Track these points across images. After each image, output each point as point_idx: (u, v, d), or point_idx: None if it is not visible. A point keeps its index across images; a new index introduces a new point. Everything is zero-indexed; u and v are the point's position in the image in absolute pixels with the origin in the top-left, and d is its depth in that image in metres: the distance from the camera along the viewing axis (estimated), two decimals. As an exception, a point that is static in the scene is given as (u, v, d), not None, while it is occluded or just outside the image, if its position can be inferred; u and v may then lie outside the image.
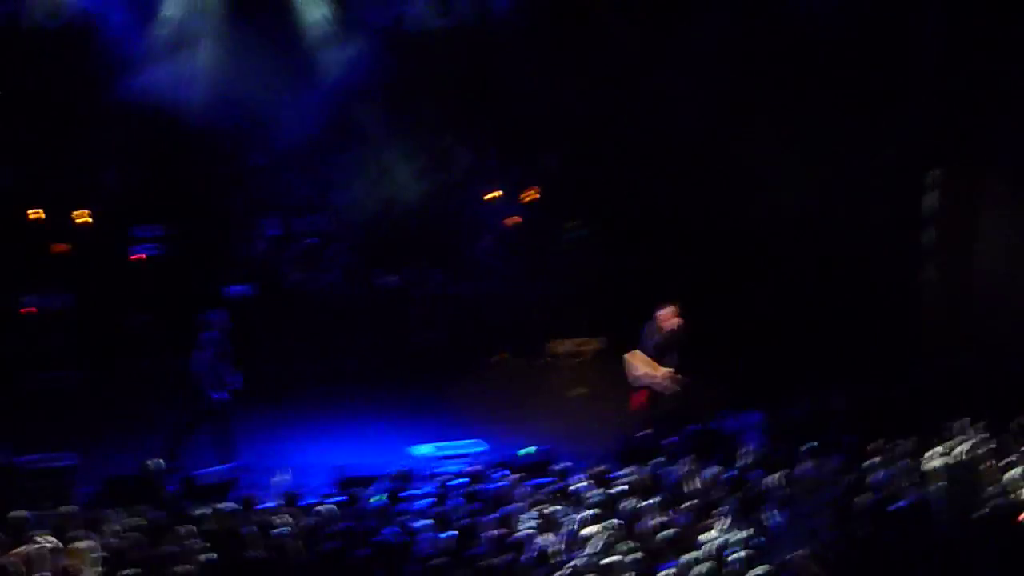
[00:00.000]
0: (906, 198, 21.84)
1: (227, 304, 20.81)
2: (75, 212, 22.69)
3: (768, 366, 21.17)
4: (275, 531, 13.51)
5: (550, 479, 15.85)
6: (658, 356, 19.33)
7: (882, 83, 21.71)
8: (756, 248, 22.77)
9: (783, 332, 21.83)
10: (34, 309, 21.76)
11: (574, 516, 14.01)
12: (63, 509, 14.82)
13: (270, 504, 15.38)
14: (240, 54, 22.20)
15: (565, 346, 23.46)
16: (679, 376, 19.26)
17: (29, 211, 22.41)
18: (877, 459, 15.94)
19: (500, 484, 15.98)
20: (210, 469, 17.27)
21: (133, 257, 22.96)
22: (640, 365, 19.38)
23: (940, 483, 15.00)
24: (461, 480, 16.15)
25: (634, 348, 19.58)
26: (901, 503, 14.75)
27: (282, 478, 16.10)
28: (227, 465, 17.62)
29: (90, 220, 22.70)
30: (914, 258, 21.64)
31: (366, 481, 16.28)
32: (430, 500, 15.23)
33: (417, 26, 23.40)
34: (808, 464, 15.90)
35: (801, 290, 22.37)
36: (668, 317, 19.31)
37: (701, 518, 14.34)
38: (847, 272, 22.26)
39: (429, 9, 23.26)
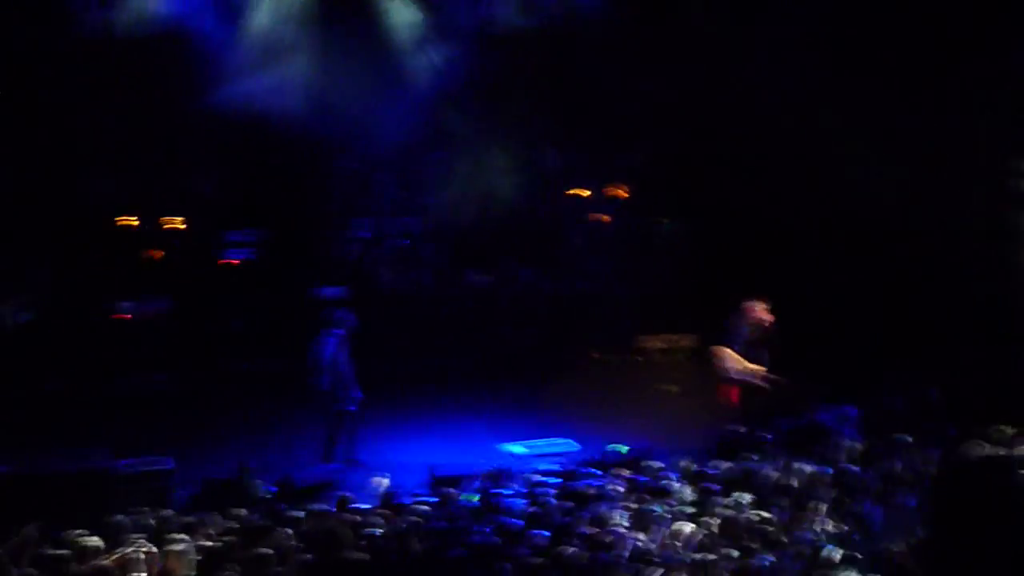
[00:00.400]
0: (999, 183, 21.57)
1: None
2: (168, 218, 22.82)
3: (862, 358, 20.98)
4: (369, 531, 13.56)
5: (643, 477, 15.81)
6: (747, 352, 19.22)
7: (974, 68, 21.46)
8: (849, 240, 22.60)
9: (877, 323, 21.65)
10: (127, 315, 21.89)
11: (668, 513, 13.99)
12: (160, 512, 15.00)
13: (365, 505, 15.47)
14: (329, 58, 22.32)
15: (657, 343, 23.45)
16: (771, 375, 19.16)
17: (123, 218, 22.55)
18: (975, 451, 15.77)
19: (593, 482, 15.99)
20: (307, 471, 17.38)
21: (226, 262, 23.06)
22: (733, 362, 19.27)
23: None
24: (554, 479, 16.16)
25: (726, 345, 19.51)
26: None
27: (380, 482, 16.14)
28: (326, 466, 17.72)
29: (183, 226, 22.84)
30: (1008, 244, 21.35)
31: (459, 481, 16.32)
32: (523, 499, 15.24)
33: (503, 27, 23.40)
34: (905, 457, 15.80)
35: (895, 280, 22.17)
36: (757, 312, 19.21)
37: (797, 514, 14.27)
38: (941, 261, 22.03)
39: (515, 9, 23.25)
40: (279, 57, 22.46)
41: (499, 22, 23.25)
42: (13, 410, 20.24)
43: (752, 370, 19.09)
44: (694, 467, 15.72)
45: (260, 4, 21.82)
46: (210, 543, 13.04)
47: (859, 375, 20.45)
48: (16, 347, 21.30)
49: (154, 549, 12.34)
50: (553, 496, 15.32)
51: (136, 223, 22.65)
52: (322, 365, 18.42)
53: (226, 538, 13.33)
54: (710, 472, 15.61)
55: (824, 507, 14.02)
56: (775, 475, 15.45)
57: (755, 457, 16.28)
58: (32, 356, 21.21)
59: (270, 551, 12.65)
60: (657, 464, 16.08)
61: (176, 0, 21.52)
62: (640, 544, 12.86)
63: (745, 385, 19.23)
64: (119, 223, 22.63)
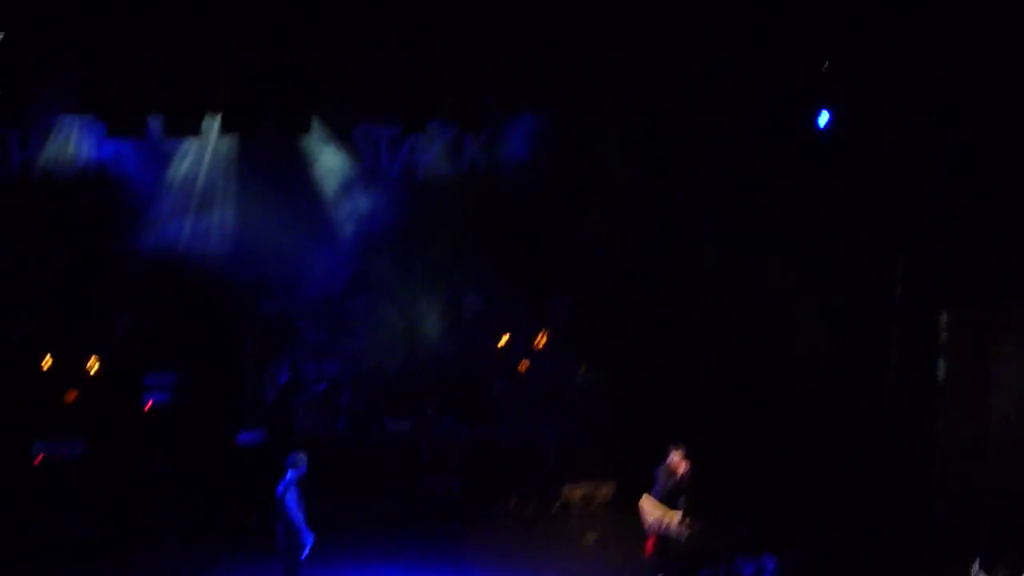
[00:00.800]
0: (917, 339, 21.81)
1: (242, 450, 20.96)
2: (86, 359, 22.59)
3: (781, 509, 21.05)
4: None
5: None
6: (668, 500, 19.28)
7: (893, 223, 21.82)
8: (767, 390, 22.74)
9: (795, 475, 21.73)
10: (39, 457, 21.59)
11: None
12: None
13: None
14: (254, 203, 22.32)
15: (577, 491, 23.37)
16: (689, 520, 19.19)
17: (41, 358, 22.30)
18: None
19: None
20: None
21: (145, 404, 22.83)
22: (652, 510, 19.31)
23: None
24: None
25: (647, 492, 19.53)
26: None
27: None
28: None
29: (98, 366, 22.61)
30: (926, 400, 21.54)
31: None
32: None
33: (428, 173, 23.55)
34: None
35: (813, 432, 22.30)
36: (674, 459, 19.30)
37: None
38: (859, 414, 22.21)
39: (439, 156, 23.40)
40: (204, 201, 22.42)
41: (424, 168, 23.37)
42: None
43: (669, 517, 19.13)
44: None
45: (187, 149, 21.72)
46: None
47: (779, 525, 20.51)
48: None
49: None
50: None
51: (51, 362, 22.34)
52: (291, 508, 18.14)
53: None
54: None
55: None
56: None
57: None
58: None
59: None
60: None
61: (102, 143, 21.37)
62: None
63: (661, 534, 19.26)
64: (37, 363, 22.30)
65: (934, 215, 21.45)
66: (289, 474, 18.24)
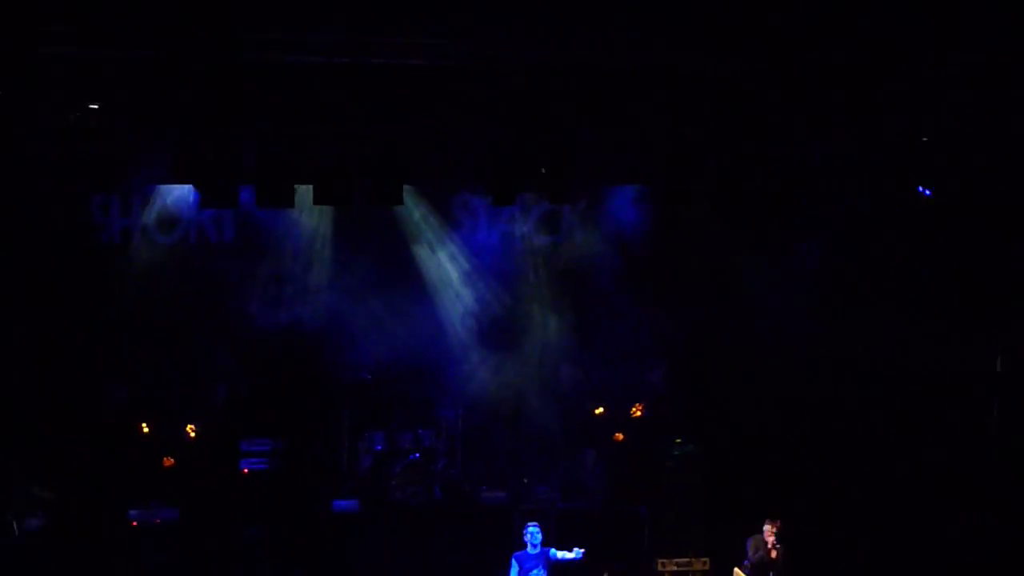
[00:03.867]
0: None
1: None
2: (183, 426, 22.75)
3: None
4: None
5: None
6: (757, 574, 19.17)
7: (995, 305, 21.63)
8: (868, 466, 22.54)
9: (887, 549, 21.50)
10: (134, 523, 21.72)
11: None
12: None
13: None
14: (344, 270, 22.44)
15: (671, 566, 23.17)
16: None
17: (138, 424, 22.49)
18: None
19: None
20: None
21: (240, 470, 22.94)
22: (745, 579, 19.25)
23: None
24: None
25: (737, 566, 19.44)
26: None
27: None
28: None
29: (194, 434, 22.75)
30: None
31: None
32: None
33: (527, 242, 23.60)
34: None
35: (911, 499, 22.09)
36: (764, 534, 19.20)
37: None
38: (959, 479, 22.00)
39: (538, 226, 23.47)
40: (297, 268, 22.59)
41: (519, 238, 23.43)
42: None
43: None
44: None
45: (289, 219, 21.92)
46: None
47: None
48: (23, 555, 21.12)
49: None
50: None
51: (148, 430, 22.52)
52: None
53: None
54: None
55: None
56: None
57: None
58: (40, 564, 21.02)
59: None
60: None
61: (196, 209, 21.61)
62: None
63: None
64: (135, 429, 22.48)
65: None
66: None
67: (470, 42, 16.72)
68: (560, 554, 19.16)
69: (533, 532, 19.07)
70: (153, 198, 21.74)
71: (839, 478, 22.58)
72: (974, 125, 18.91)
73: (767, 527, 19.29)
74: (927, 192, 21.07)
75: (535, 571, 18.98)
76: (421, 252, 23.05)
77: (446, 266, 23.23)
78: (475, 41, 16.69)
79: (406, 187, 20.05)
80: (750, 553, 19.30)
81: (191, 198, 21.35)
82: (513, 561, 19.09)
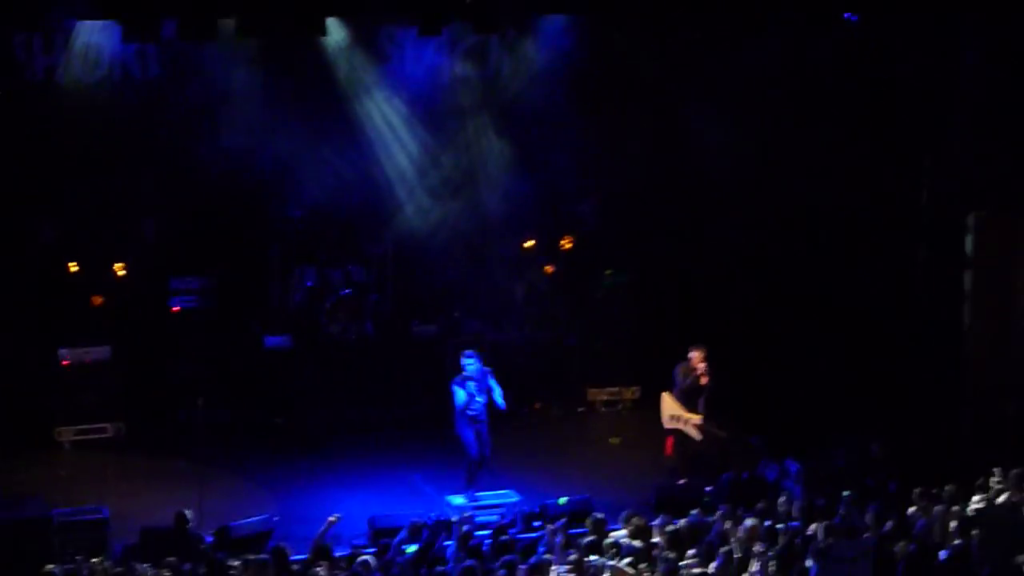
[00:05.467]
0: (945, 242, 21.71)
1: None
2: (112, 264, 22.62)
3: (806, 413, 21.07)
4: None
5: (585, 530, 15.76)
6: (687, 401, 19.41)
7: (921, 125, 21.65)
8: (794, 293, 22.73)
9: (821, 378, 21.73)
10: (65, 362, 21.69)
11: (608, 566, 13.95)
12: (94, 561, 14.88)
13: (303, 556, 15.38)
14: (277, 105, 22.22)
15: (601, 395, 23.45)
16: (705, 424, 19.30)
17: (66, 264, 22.34)
18: (917, 507, 15.87)
19: (534, 535, 15.96)
20: (244, 521, 17.24)
21: (171, 309, 22.90)
22: (670, 408, 19.47)
23: (981, 531, 14.90)
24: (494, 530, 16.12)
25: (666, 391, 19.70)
26: (942, 552, 14.67)
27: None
28: (260, 516, 17.58)
29: (125, 272, 22.63)
30: (953, 303, 21.46)
31: (398, 531, 16.23)
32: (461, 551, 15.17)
33: (453, 76, 23.41)
34: (847, 513, 15.82)
35: (839, 335, 22.29)
36: (692, 360, 19.38)
37: (739, 569, 14.26)
38: (885, 317, 22.17)
39: (465, 58, 23.24)
40: (226, 102, 22.32)
41: (448, 71, 23.23)
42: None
43: (687, 418, 19.27)
44: (638, 520, 15.64)
45: (210, 50, 21.55)
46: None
47: (803, 429, 20.54)
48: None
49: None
50: (490, 547, 15.30)
51: (77, 268, 22.38)
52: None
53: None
54: (653, 525, 15.57)
55: (767, 562, 14.02)
56: (719, 530, 15.45)
57: (694, 512, 16.26)
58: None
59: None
60: (600, 516, 16.01)
61: (121, 45, 21.23)
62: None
63: (679, 434, 19.39)
64: (67, 269, 22.34)
65: (961, 119, 21.28)
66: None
67: None
68: (495, 391, 19.15)
69: (468, 364, 19.08)
70: (75, 34, 21.33)
71: (766, 308, 22.76)
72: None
73: (694, 354, 19.48)
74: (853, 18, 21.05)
75: (477, 397, 18.96)
76: (348, 85, 22.72)
77: (374, 100, 22.98)
78: None
79: (329, 19, 19.86)
80: (679, 380, 19.50)
81: (114, 34, 20.98)
82: (454, 388, 19.09)
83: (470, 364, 19.05)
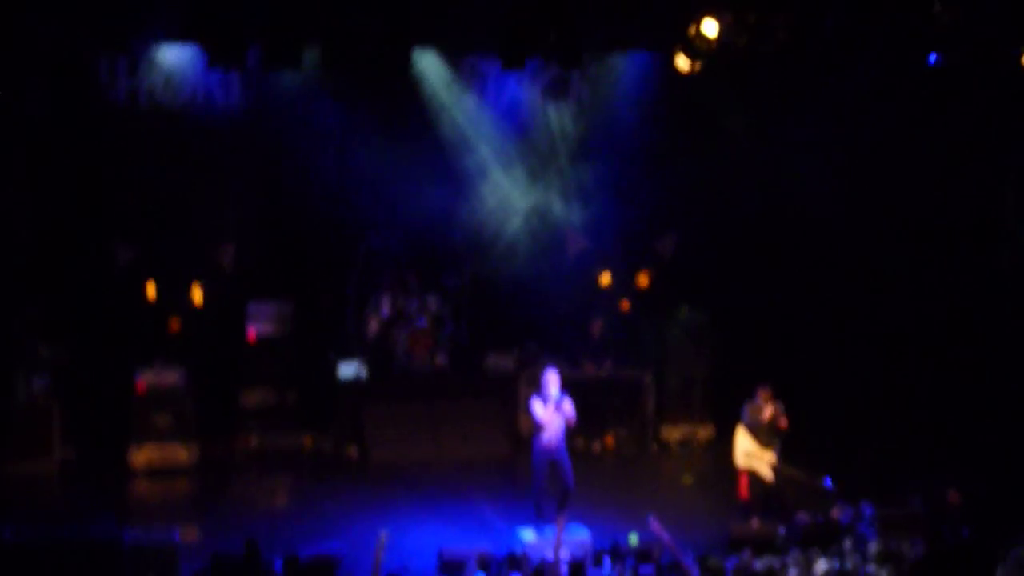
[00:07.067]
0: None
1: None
2: (190, 288, 22.73)
3: (883, 456, 20.89)
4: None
5: (655, 568, 15.64)
6: (759, 439, 19.24)
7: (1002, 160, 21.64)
8: (872, 333, 22.58)
9: (899, 421, 21.56)
10: (141, 384, 21.74)
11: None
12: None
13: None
14: (358, 133, 22.33)
15: (675, 433, 23.32)
16: (780, 462, 19.14)
17: (146, 287, 22.47)
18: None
19: (604, 571, 15.85)
20: (314, 548, 17.22)
21: (248, 335, 22.98)
22: (744, 446, 19.29)
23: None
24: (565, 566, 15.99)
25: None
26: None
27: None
28: (330, 544, 17.55)
29: (203, 296, 22.73)
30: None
31: (466, 564, 16.16)
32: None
33: (532, 108, 23.49)
34: (922, 559, 15.63)
35: (919, 378, 22.12)
36: (760, 400, 19.22)
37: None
38: (966, 363, 21.96)
39: (546, 91, 23.33)
40: (309, 130, 22.45)
41: (529, 104, 23.30)
42: (25, 477, 20.32)
43: (760, 456, 19.07)
44: (710, 559, 15.52)
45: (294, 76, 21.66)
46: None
47: (878, 472, 20.36)
48: (31, 414, 21.24)
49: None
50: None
51: (155, 291, 22.51)
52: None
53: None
54: (725, 565, 15.45)
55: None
56: (793, 572, 15.31)
57: (768, 553, 16.12)
58: (45, 423, 21.13)
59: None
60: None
61: (205, 71, 21.43)
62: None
63: (753, 474, 19.20)
64: (142, 291, 22.48)
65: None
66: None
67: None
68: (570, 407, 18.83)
69: (550, 380, 18.74)
70: (159, 58, 21.53)
71: (843, 348, 22.61)
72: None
73: (760, 393, 19.34)
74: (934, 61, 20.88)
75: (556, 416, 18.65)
76: (431, 115, 22.81)
77: (458, 129, 23.07)
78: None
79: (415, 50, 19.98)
80: (746, 419, 19.35)
81: (197, 59, 21.17)
82: (532, 402, 18.77)
83: (552, 379, 18.75)
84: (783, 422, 19.07)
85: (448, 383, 23.31)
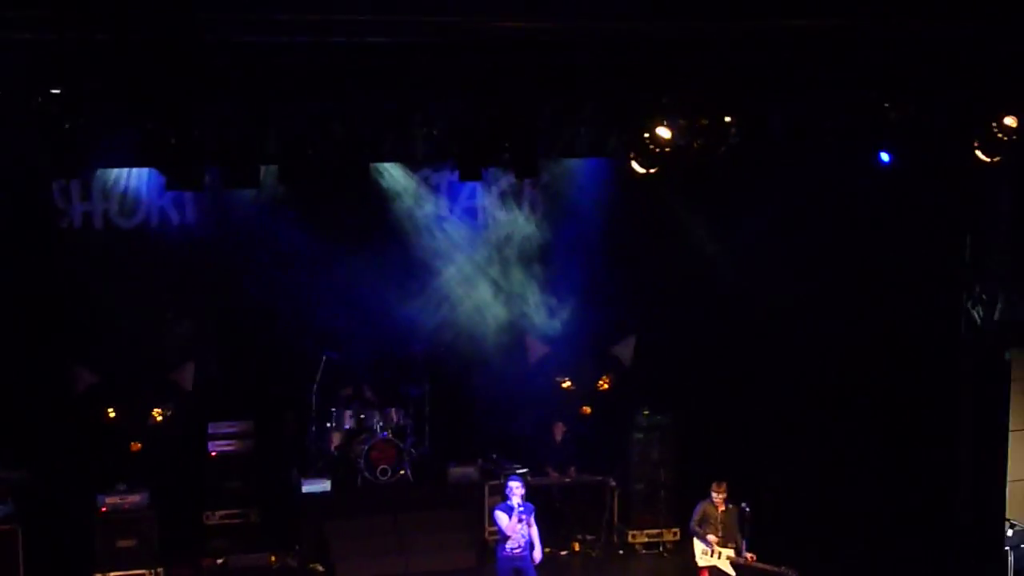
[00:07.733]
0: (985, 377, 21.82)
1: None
2: (150, 410, 22.65)
3: (844, 546, 20.97)
4: None
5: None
6: (716, 535, 19.31)
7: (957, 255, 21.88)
8: (834, 428, 22.78)
9: (868, 516, 21.70)
10: (103, 508, 21.54)
11: None
12: None
13: None
14: (309, 246, 22.43)
15: (643, 536, 23.28)
16: (739, 555, 19.20)
17: (105, 410, 22.38)
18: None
19: None
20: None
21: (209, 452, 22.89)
22: (701, 545, 19.36)
23: None
24: None
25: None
26: None
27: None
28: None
29: (162, 418, 22.66)
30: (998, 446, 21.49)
31: None
32: None
33: (489, 216, 23.75)
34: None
35: (879, 471, 22.30)
36: (718, 498, 19.36)
37: None
38: (931, 458, 22.19)
39: (501, 201, 23.60)
40: (262, 245, 22.51)
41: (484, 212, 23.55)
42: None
43: (718, 552, 19.16)
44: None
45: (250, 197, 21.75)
46: None
47: (847, 565, 20.46)
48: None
49: None
50: None
51: (115, 415, 22.42)
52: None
53: None
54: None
55: None
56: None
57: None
58: (11, 549, 20.90)
59: None
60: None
61: (161, 193, 21.58)
62: None
63: (715, 570, 19.27)
64: (102, 414, 22.38)
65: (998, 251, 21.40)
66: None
67: (430, 19, 16.62)
68: (535, 533, 18.91)
69: (513, 488, 18.80)
70: (113, 181, 21.65)
71: (806, 447, 22.75)
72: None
73: (714, 491, 19.47)
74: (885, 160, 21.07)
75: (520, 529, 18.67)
76: (394, 223, 23.00)
77: (413, 240, 23.25)
78: (436, 17, 16.58)
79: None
80: (697, 515, 19.51)
81: (152, 181, 21.32)
82: (496, 513, 18.82)
83: (515, 489, 18.79)
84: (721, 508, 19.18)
85: (412, 494, 23.22)
